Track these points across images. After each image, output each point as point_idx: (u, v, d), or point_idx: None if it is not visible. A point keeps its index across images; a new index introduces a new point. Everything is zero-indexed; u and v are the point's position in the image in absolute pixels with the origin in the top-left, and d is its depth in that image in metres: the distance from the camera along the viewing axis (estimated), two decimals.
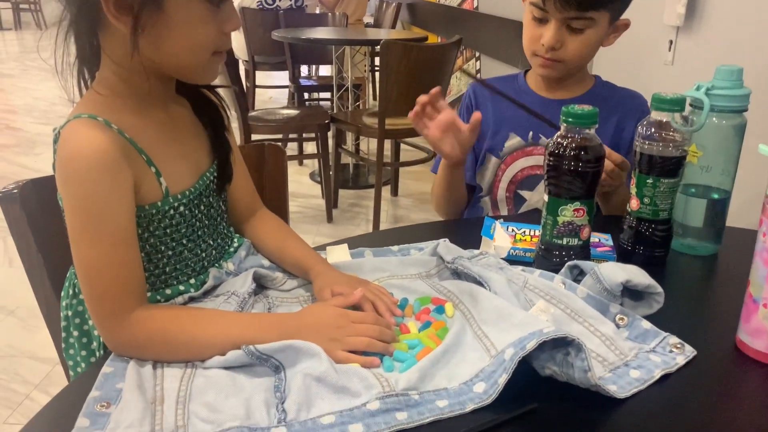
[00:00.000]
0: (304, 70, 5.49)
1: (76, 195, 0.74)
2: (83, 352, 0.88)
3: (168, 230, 0.83)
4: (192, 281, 0.87)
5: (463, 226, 1.11)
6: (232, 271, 0.90)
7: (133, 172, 0.77)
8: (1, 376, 2.00)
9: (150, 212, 0.81)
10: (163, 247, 0.84)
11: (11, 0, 10.96)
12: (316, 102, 4.97)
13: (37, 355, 2.09)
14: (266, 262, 0.94)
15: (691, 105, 0.98)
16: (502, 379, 0.65)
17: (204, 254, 0.89)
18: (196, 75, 0.84)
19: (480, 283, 0.83)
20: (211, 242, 0.91)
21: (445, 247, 0.94)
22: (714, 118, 0.96)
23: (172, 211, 0.83)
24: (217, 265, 0.90)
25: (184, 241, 0.86)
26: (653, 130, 0.93)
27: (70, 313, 0.88)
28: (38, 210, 0.96)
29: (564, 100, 1.24)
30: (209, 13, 0.77)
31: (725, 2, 1.75)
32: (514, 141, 1.28)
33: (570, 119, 0.85)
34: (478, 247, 0.99)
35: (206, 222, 0.89)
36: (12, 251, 0.95)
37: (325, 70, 5.30)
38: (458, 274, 0.89)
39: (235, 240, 0.97)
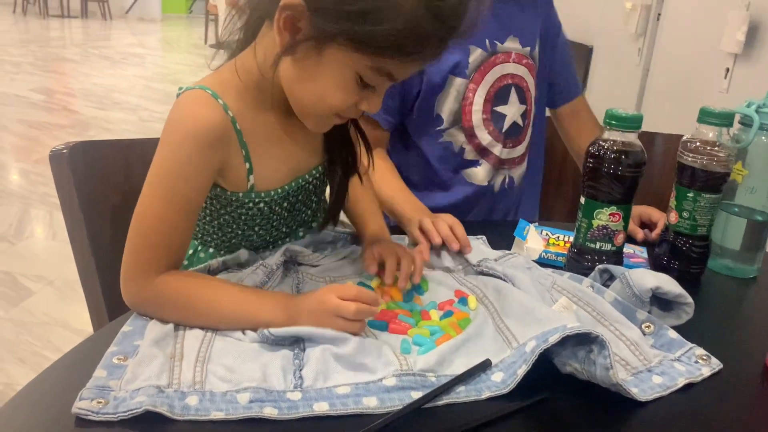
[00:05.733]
0: None
1: (165, 156, 0.78)
2: None
3: (243, 217, 0.86)
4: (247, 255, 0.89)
5: (497, 225, 1.10)
6: (266, 254, 0.91)
7: (226, 160, 0.80)
8: (35, 342, 2.06)
9: (230, 198, 0.83)
10: (234, 226, 0.87)
11: None
12: None
13: (70, 325, 2.15)
14: (299, 246, 0.94)
15: (740, 122, 0.96)
16: (521, 371, 0.65)
17: (270, 238, 0.91)
18: (309, 119, 0.82)
19: (505, 281, 0.83)
20: (284, 229, 0.92)
21: (476, 247, 0.93)
22: (763, 137, 0.94)
23: (251, 204, 0.85)
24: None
25: (256, 228, 0.88)
26: (698, 144, 0.91)
27: None
28: (85, 172, 0.99)
29: (497, 1, 1.14)
30: (355, 85, 0.74)
31: None
32: (477, 54, 1.15)
33: (613, 122, 0.84)
34: (509, 248, 0.99)
35: (285, 215, 0.90)
36: (57, 225, 0.99)
37: None
38: (484, 274, 0.89)
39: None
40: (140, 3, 12.04)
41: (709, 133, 0.91)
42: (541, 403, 0.64)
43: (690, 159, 0.91)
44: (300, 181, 0.88)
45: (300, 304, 0.74)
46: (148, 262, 0.76)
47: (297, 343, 0.70)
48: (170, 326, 0.72)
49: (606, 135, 0.86)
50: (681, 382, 0.68)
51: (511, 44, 1.18)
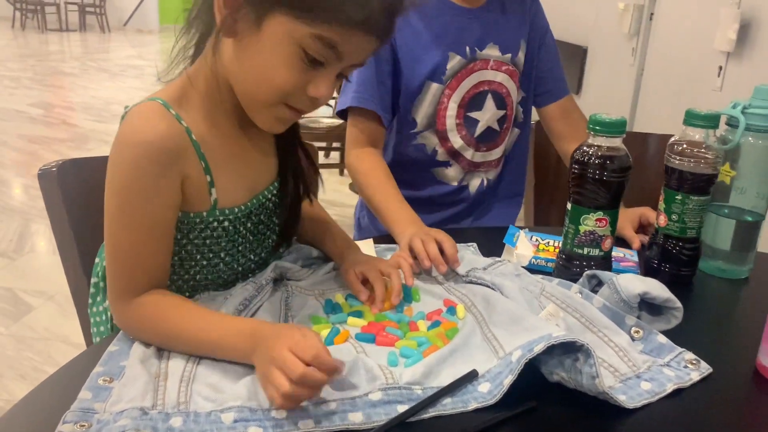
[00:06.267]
0: None
1: (120, 179, 0.74)
2: (110, 315, 0.90)
3: (207, 241, 0.81)
4: (219, 290, 0.85)
5: (488, 233, 1.10)
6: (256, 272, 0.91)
7: (186, 172, 0.76)
8: (35, 357, 2.06)
9: (194, 220, 0.79)
10: (198, 256, 0.82)
11: (78, 2, 11.42)
12: None
13: (70, 340, 2.15)
14: (288, 263, 0.94)
15: (727, 123, 0.96)
16: (508, 381, 0.64)
17: (241, 268, 0.86)
18: (257, 112, 0.78)
19: (494, 290, 0.83)
20: (252, 257, 0.88)
21: (465, 257, 0.93)
22: (750, 138, 0.94)
23: (215, 224, 0.81)
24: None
25: (222, 254, 0.83)
26: (685, 146, 0.91)
27: (100, 271, 0.90)
28: (75, 189, 0.99)
29: (480, 7, 1.20)
30: (300, 63, 0.71)
31: None
32: (455, 61, 1.18)
33: (597, 128, 0.84)
34: (499, 255, 0.98)
35: (251, 238, 0.86)
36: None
37: None
38: (473, 283, 0.88)
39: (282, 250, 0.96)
40: (138, 15, 12.11)
41: (696, 135, 0.91)
42: (529, 412, 0.63)
43: (677, 161, 0.91)
44: (260, 197, 0.86)
45: (265, 336, 0.66)
46: (126, 286, 0.75)
47: None
48: (154, 347, 0.72)
49: (591, 140, 0.86)
50: (670, 388, 0.68)
51: (491, 51, 1.21)
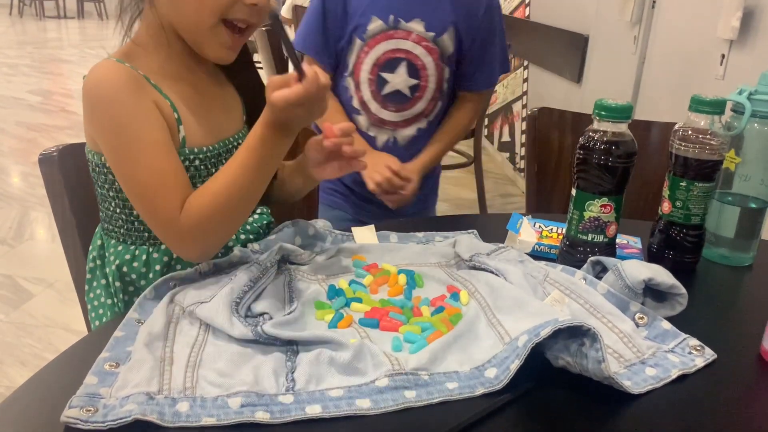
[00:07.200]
0: None
1: (109, 116, 0.78)
2: (107, 300, 0.91)
3: None
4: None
5: (490, 219, 1.10)
6: (258, 250, 0.91)
7: (156, 100, 0.81)
8: (35, 345, 2.06)
9: None
10: None
11: None
12: None
13: (70, 327, 2.15)
14: (292, 245, 0.94)
15: (732, 110, 0.96)
16: (514, 366, 0.64)
17: None
18: (204, 42, 0.83)
19: (497, 276, 0.82)
20: None
21: (468, 242, 0.93)
22: (756, 125, 0.93)
23: (187, 163, 0.84)
24: (240, 243, 0.91)
25: None
26: (690, 132, 0.90)
27: (95, 256, 0.91)
28: (75, 174, 0.99)
29: None
30: None
31: None
32: (376, 24, 1.35)
33: (603, 113, 0.83)
34: (503, 241, 0.98)
35: None
36: (56, 227, 0.99)
37: None
38: (476, 269, 0.88)
39: (257, 209, 0.99)
40: None
41: (701, 121, 0.90)
42: (529, 393, 0.63)
43: (682, 148, 0.90)
44: (226, 142, 0.89)
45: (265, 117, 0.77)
46: (167, 214, 0.77)
47: (289, 344, 0.70)
48: (161, 328, 0.71)
49: (596, 126, 0.85)
50: (674, 374, 0.68)
51: (415, 25, 1.36)
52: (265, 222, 1.00)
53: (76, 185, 0.99)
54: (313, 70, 0.74)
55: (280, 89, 0.74)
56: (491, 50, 1.45)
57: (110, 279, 0.90)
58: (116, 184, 0.83)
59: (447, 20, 1.37)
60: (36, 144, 4.22)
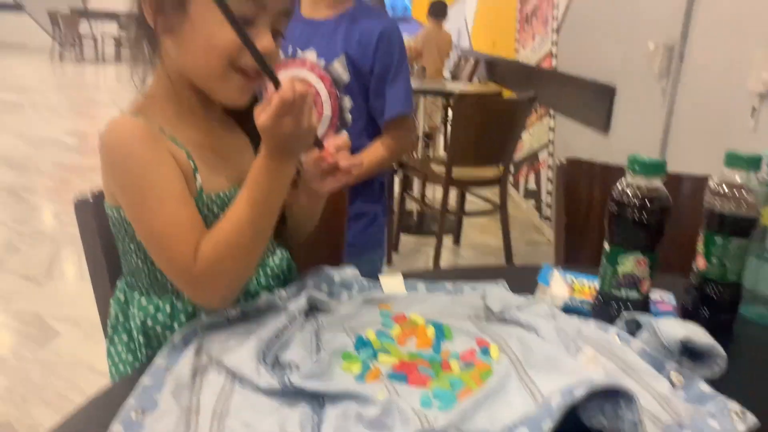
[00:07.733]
0: None
1: (126, 170, 0.79)
2: (128, 356, 0.91)
3: None
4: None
5: (521, 272, 1.09)
6: (285, 297, 0.91)
7: (173, 152, 0.82)
8: (60, 384, 2.07)
9: None
10: None
11: (115, 36, 11.76)
12: None
13: (95, 368, 2.15)
14: (320, 293, 0.94)
15: None
16: (546, 426, 0.62)
17: None
18: (216, 88, 0.84)
19: (528, 331, 0.81)
20: None
21: (498, 294, 0.92)
22: None
23: (206, 210, 0.85)
24: (264, 287, 0.91)
25: None
26: (725, 188, 0.89)
27: (117, 312, 0.91)
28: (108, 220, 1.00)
29: (327, 20, 1.50)
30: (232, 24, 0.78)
31: None
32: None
33: (636, 167, 0.83)
34: (532, 293, 0.97)
35: None
36: (85, 266, 1.00)
37: None
38: (506, 321, 0.87)
39: (277, 252, 0.99)
40: None
41: (736, 176, 0.89)
42: None
43: (717, 204, 0.89)
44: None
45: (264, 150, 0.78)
46: (182, 259, 0.78)
47: (316, 398, 0.69)
48: (188, 377, 0.71)
49: (629, 180, 0.85)
50: None
51: (309, 54, 1.46)
52: (286, 265, 1.00)
53: (109, 230, 1.00)
54: (288, 79, 0.76)
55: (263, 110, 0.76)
56: (388, 81, 1.53)
57: (134, 333, 0.89)
58: (136, 237, 0.84)
59: (338, 48, 1.49)
60: (70, 184, 4.32)
